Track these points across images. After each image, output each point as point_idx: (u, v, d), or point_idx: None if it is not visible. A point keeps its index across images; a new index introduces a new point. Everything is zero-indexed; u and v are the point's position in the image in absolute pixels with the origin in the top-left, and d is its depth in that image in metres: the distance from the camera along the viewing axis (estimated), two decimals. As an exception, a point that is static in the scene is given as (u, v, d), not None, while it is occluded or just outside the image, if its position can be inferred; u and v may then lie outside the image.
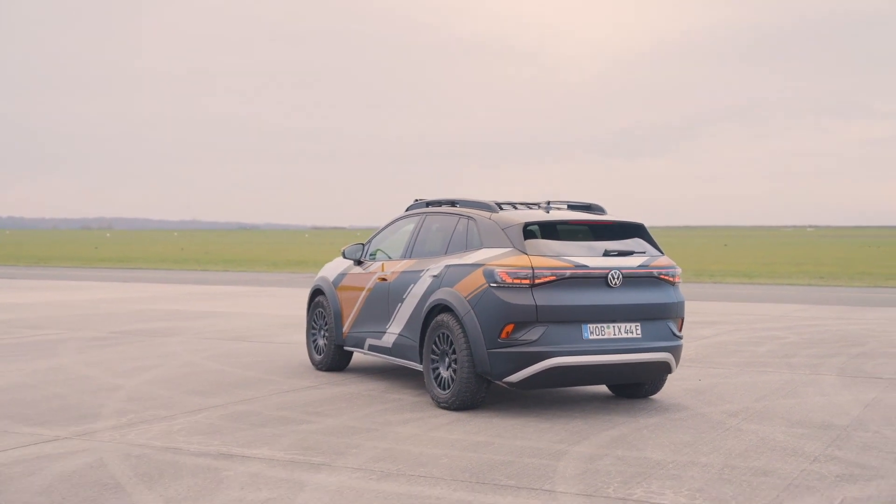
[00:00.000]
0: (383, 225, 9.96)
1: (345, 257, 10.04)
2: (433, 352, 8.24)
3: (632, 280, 7.90)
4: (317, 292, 10.49)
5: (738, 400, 8.52)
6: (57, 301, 19.89)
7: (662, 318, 8.03)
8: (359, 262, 9.90)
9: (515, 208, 8.52)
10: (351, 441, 6.81)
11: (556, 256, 7.76)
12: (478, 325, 7.71)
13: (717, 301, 20.75)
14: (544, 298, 7.58)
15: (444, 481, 5.74)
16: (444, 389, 8.08)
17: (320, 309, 10.35)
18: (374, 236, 9.97)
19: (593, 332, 7.70)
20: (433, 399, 8.20)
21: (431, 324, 8.24)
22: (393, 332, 8.97)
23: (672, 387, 9.14)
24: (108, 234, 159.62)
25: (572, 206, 8.81)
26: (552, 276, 7.63)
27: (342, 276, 10.08)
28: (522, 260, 7.68)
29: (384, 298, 9.15)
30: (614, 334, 7.76)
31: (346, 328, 9.86)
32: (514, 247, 7.84)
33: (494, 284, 7.68)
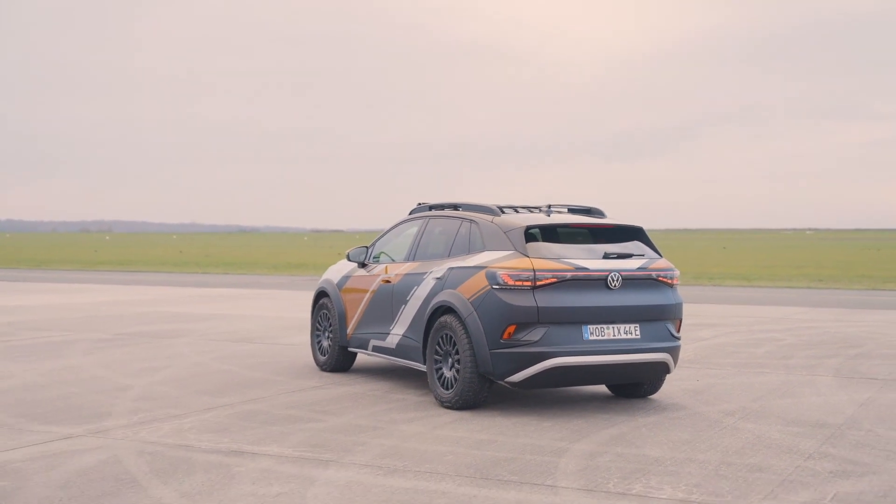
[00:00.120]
0: (387, 228, 10.15)
1: (349, 260, 10.23)
2: (436, 352, 8.42)
3: (631, 282, 8.09)
4: (321, 294, 10.68)
5: (735, 399, 8.70)
6: (60, 303, 20.07)
7: (661, 319, 8.22)
8: (363, 265, 10.08)
9: (517, 212, 8.71)
10: (357, 439, 6.99)
11: (557, 259, 7.95)
12: (480, 326, 7.90)
13: (716, 304, 20.93)
14: (545, 300, 7.76)
15: (449, 477, 5.92)
16: (447, 389, 8.26)
17: (325, 311, 10.53)
18: (378, 239, 10.16)
19: (593, 332, 7.88)
20: (437, 398, 8.38)
21: (435, 325, 8.42)
22: (397, 333, 9.15)
23: (670, 387, 9.32)
24: (107, 237, 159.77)
25: (573, 210, 9.00)
26: (553, 278, 7.81)
27: (346, 278, 10.26)
28: (524, 262, 7.86)
29: (388, 300, 9.33)
30: (614, 335, 7.94)
31: (350, 329, 10.04)
32: (515, 249, 8.02)
33: (497, 286, 7.86)
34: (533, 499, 5.47)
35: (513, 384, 7.90)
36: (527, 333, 7.75)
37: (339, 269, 10.57)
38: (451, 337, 8.21)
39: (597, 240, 8.39)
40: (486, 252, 8.23)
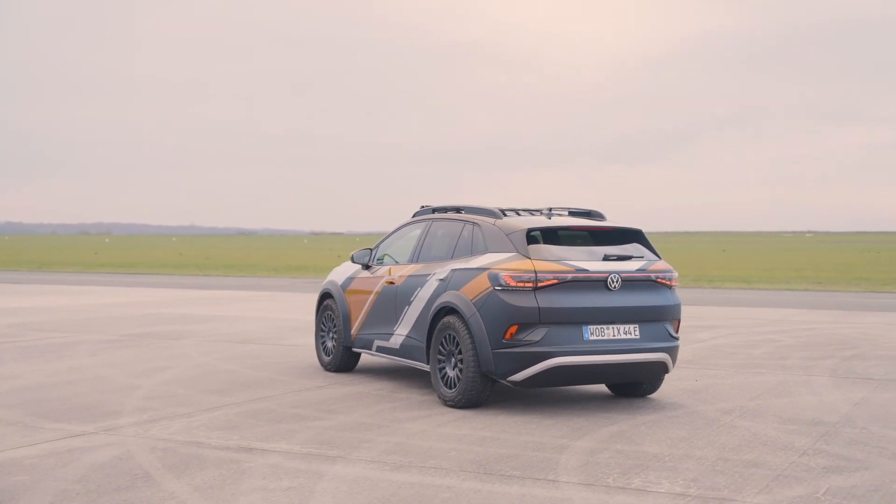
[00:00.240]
0: (390, 231, 10.32)
1: (353, 262, 10.40)
2: (440, 352, 8.59)
3: (630, 283, 8.26)
4: (325, 296, 10.84)
5: (732, 399, 8.87)
6: (63, 305, 20.24)
7: (660, 319, 8.39)
8: (367, 267, 10.25)
9: (518, 214, 8.89)
10: (363, 436, 7.16)
11: (558, 261, 8.12)
12: (483, 327, 8.07)
13: (715, 306, 21.10)
14: (547, 301, 7.93)
15: (453, 472, 6.09)
16: (450, 388, 8.42)
17: (329, 312, 10.70)
18: (382, 241, 10.33)
19: (593, 333, 8.05)
20: (440, 397, 8.54)
21: (438, 325, 8.59)
22: (400, 333, 9.32)
23: (669, 386, 9.49)
24: (106, 240, 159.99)
25: (573, 213, 9.18)
26: (554, 279, 7.99)
27: (351, 279, 10.43)
28: (526, 264, 8.04)
29: (392, 301, 9.50)
30: (614, 335, 8.12)
31: (354, 330, 10.21)
32: (517, 251, 8.20)
33: (499, 287, 8.03)
34: (535, 493, 5.64)
35: (515, 383, 8.07)
36: (528, 333, 7.92)
37: (343, 271, 10.74)
38: (454, 337, 8.38)
39: (597, 242, 8.56)
40: (489, 254, 8.40)
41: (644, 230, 8.87)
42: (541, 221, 8.58)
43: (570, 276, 8.03)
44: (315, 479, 5.91)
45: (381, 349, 9.73)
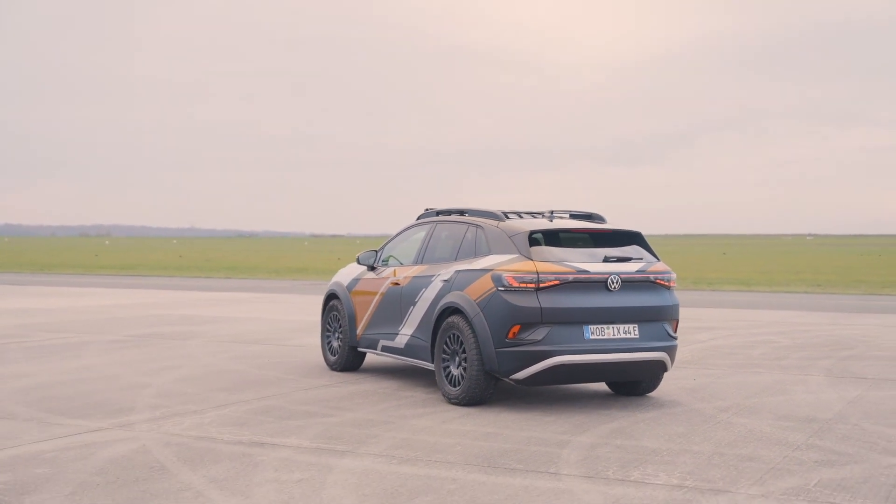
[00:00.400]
0: (395, 233, 10.54)
1: (359, 263, 10.63)
2: (444, 351, 8.81)
3: (630, 284, 8.49)
4: (331, 297, 11.06)
5: (729, 397, 9.09)
6: (68, 307, 20.46)
7: (658, 319, 8.61)
8: (372, 268, 10.47)
9: (521, 217, 9.12)
10: (370, 432, 7.38)
11: (560, 262, 8.34)
12: (486, 326, 8.29)
13: (714, 308, 21.32)
14: (548, 301, 8.16)
15: (459, 465, 6.31)
16: (454, 386, 8.64)
17: (335, 312, 10.92)
18: (387, 243, 10.55)
19: (594, 332, 8.27)
20: (444, 395, 8.76)
21: (442, 325, 8.81)
22: (405, 333, 9.54)
23: (668, 385, 9.71)
24: (107, 242, 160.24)
25: (574, 216, 9.41)
26: (556, 280, 8.21)
27: (356, 280, 10.66)
28: (528, 265, 8.26)
29: (397, 302, 9.72)
30: (613, 335, 8.34)
31: (359, 330, 10.43)
32: (520, 253, 8.42)
33: (502, 288, 8.25)
34: (538, 485, 5.86)
35: (517, 381, 8.29)
36: (531, 333, 8.14)
37: (348, 273, 10.96)
38: (458, 336, 8.60)
39: (597, 244, 8.78)
40: (492, 255, 8.62)
41: (644, 233, 9.10)
42: (543, 224, 8.80)
43: (571, 277, 8.25)
44: (325, 471, 6.14)
45: (386, 349, 9.95)
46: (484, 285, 8.41)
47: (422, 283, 9.36)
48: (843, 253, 79.96)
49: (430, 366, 9.10)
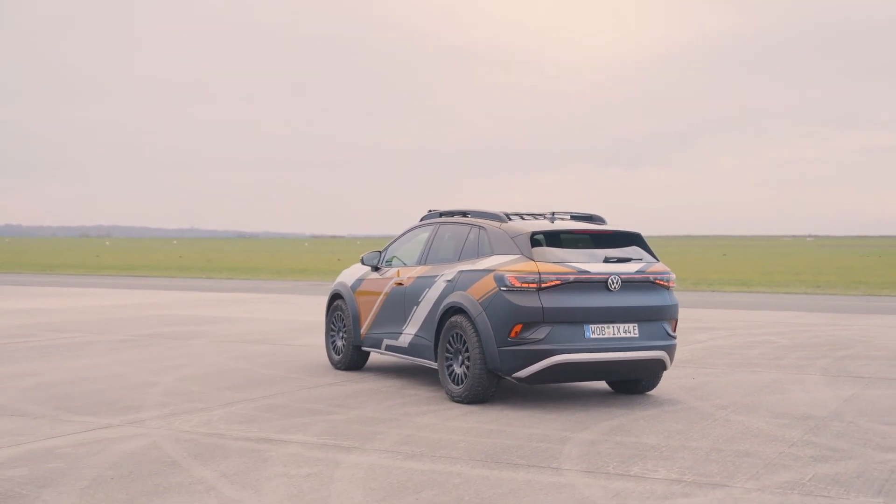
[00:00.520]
0: (399, 234, 10.70)
1: (363, 263, 10.79)
2: (447, 350, 8.97)
3: (630, 284, 8.65)
4: (335, 297, 11.23)
5: (727, 395, 9.25)
6: (71, 307, 20.62)
7: (658, 319, 8.77)
8: (376, 269, 10.63)
9: (523, 218, 9.28)
10: (376, 429, 7.54)
11: (561, 263, 8.51)
12: (489, 326, 8.45)
13: (714, 308, 21.48)
14: (550, 301, 8.32)
15: (463, 461, 6.48)
16: (457, 385, 8.80)
17: (339, 312, 11.08)
18: (391, 244, 10.71)
19: (595, 331, 8.43)
20: (447, 393, 8.92)
21: (446, 325, 8.97)
22: (409, 332, 9.70)
23: (667, 384, 9.87)
24: (107, 243, 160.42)
25: (575, 217, 9.57)
26: (557, 280, 8.37)
27: (360, 281, 10.82)
28: (530, 266, 8.42)
29: (401, 302, 9.88)
30: (614, 334, 8.50)
31: (364, 330, 10.59)
32: (522, 254, 8.58)
33: (504, 288, 8.41)
34: (540, 479, 6.02)
35: (519, 380, 8.45)
36: (533, 332, 8.30)
37: (352, 273, 11.12)
38: (461, 336, 8.76)
39: (598, 245, 8.95)
40: (495, 256, 8.79)
41: (644, 233, 9.27)
42: (544, 225, 8.96)
43: (572, 277, 8.41)
44: (333, 466, 6.30)
45: (390, 348, 10.11)
46: (487, 285, 8.57)
47: (425, 283, 9.52)
48: (843, 254, 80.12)
49: (434, 364, 9.26)
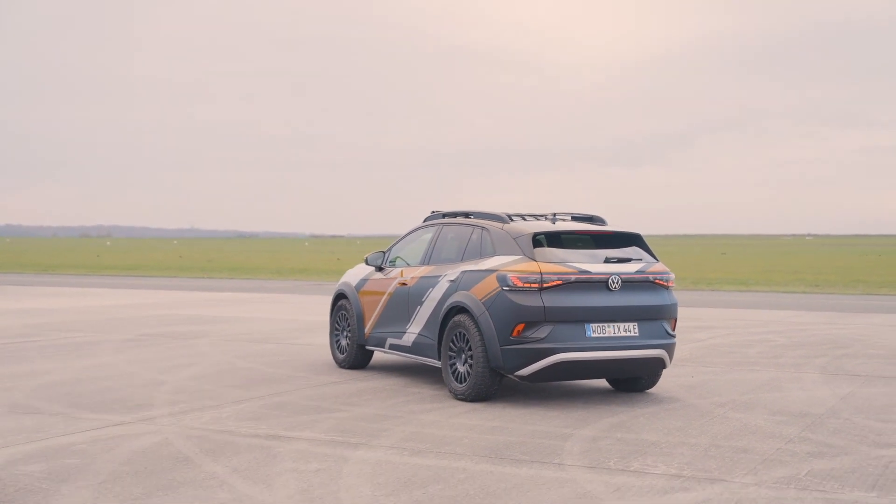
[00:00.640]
0: (402, 234, 10.87)
1: (367, 264, 10.96)
2: (451, 349, 9.14)
3: (630, 284, 8.82)
4: (340, 296, 11.40)
5: (726, 393, 9.42)
6: (75, 307, 20.79)
7: (657, 318, 8.95)
8: (380, 269, 10.80)
9: (525, 220, 9.44)
10: (381, 426, 7.71)
11: (562, 263, 8.68)
12: (492, 325, 8.62)
13: (713, 308, 21.65)
14: (552, 300, 8.49)
15: (467, 457, 6.65)
16: (460, 383, 8.97)
17: (343, 311, 11.25)
18: (394, 245, 10.88)
19: (595, 330, 8.60)
20: (451, 391, 9.09)
21: (449, 324, 9.14)
22: (413, 331, 9.87)
23: (667, 382, 10.04)
24: (108, 243, 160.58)
25: (576, 218, 9.74)
26: (559, 280, 8.54)
27: (364, 281, 10.98)
28: (532, 266, 8.59)
29: (405, 301, 10.05)
30: (614, 333, 8.67)
31: (368, 329, 10.76)
32: (524, 254, 8.75)
33: (507, 288, 8.58)
34: (543, 474, 6.19)
35: (522, 378, 8.62)
36: (534, 331, 8.47)
37: (356, 273, 11.29)
38: (464, 335, 8.93)
39: (598, 245, 9.12)
40: (497, 256, 8.95)
41: (643, 233, 9.44)
42: (546, 226, 9.13)
43: (573, 277, 8.58)
44: (341, 462, 6.47)
45: (393, 347, 10.27)
46: (489, 285, 8.74)
47: (429, 283, 9.68)
48: (842, 253, 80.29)
49: (437, 363, 9.42)
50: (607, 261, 8.87)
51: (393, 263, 10.70)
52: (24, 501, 5.51)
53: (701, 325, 16.73)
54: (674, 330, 9.16)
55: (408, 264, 10.41)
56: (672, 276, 9.24)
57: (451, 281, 9.32)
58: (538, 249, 8.80)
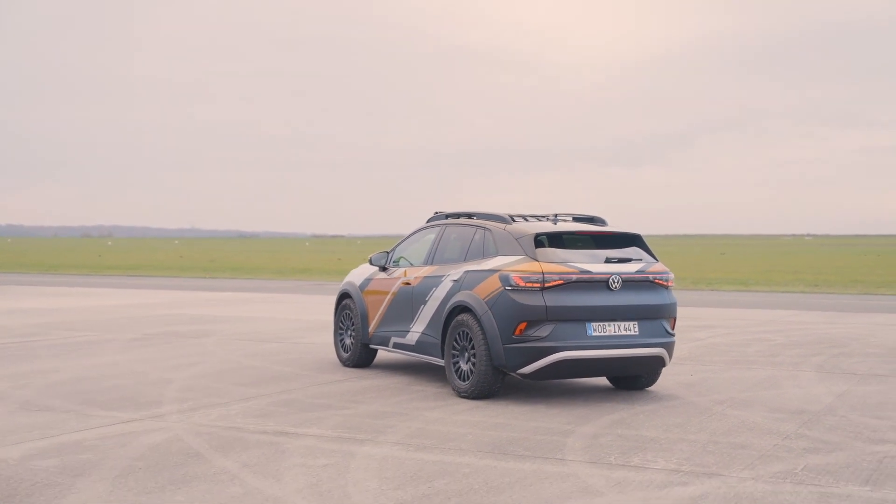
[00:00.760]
0: (406, 235, 11.04)
1: (371, 264, 11.13)
2: (454, 347, 9.30)
3: (630, 284, 8.99)
4: (344, 296, 11.56)
5: (724, 391, 9.59)
6: (80, 307, 20.96)
7: (657, 317, 9.11)
8: (383, 269, 10.97)
9: (526, 220, 9.61)
10: (387, 423, 7.87)
11: (564, 263, 8.84)
12: (494, 324, 8.78)
13: (713, 307, 21.81)
14: (553, 300, 8.66)
15: (471, 452, 6.81)
16: (463, 381, 9.14)
17: (347, 311, 11.42)
18: (398, 245, 11.05)
19: (596, 329, 8.77)
20: (454, 389, 9.26)
21: (452, 323, 9.31)
22: (416, 330, 10.03)
23: (666, 380, 10.20)
24: (109, 243, 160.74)
25: (577, 219, 9.90)
26: (560, 280, 8.71)
27: (368, 280, 11.15)
28: (534, 266, 8.76)
29: (408, 301, 10.21)
30: (615, 331, 8.84)
31: (372, 328, 10.93)
32: (526, 255, 8.92)
33: (509, 288, 8.75)
34: (546, 469, 6.36)
35: (524, 376, 8.79)
36: (536, 330, 8.63)
37: (360, 273, 11.45)
38: (467, 333, 9.10)
39: (599, 246, 9.28)
40: (500, 257, 9.12)
41: (643, 233, 9.62)
42: (547, 227, 9.30)
43: (574, 277, 8.75)
44: (348, 457, 6.63)
45: (397, 345, 10.44)
46: (492, 285, 8.90)
47: (432, 282, 9.85)
48: (841, 253, 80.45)
49: (441, 361, 9.59)
50: (608, 261, 9.04)
51: (397, 263, 10.86)
52: (41, 495, 5.67)
53: (700, 325, 16.90)
54: (673, 329, 9.32)
55: (411, 264, 10.57)
56: (671, 275, 9.40)
57: (455, 281, 9.48)
58: (540, 250, 8.96)
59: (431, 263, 10.15)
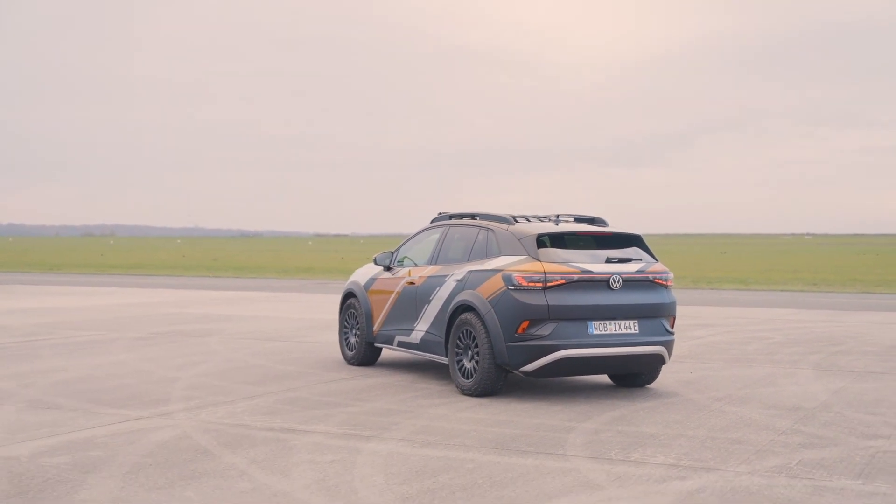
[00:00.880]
0: (410, 235, 11.19)
1: (375, 263, 11.28)
2: (457, 346, 9.45)
3: (630, 283, 9.13)
4: (349, 295, 11.71)
5: (723, 388, 9.73)
6: (84, 306, 21.11)
7: (657, 316, 9.26)
8: (388, 268, 11.12)
9: (529, 221, 9.76)
10: (392, 420, 8.02)
11: (565, 263, 8.99)
12: (497, 323, 8.93)
13: (712, 306, 21.96)
14: (555, 299, 8.81)
15: (475, 448, 6.96)
16: (467, 378, 9.28)
17: (352, 310, 11.57)
18: (402, 245, 11.20)
19: (597, 328, 8.92)
20: (457, 387, 9.40)
21: (456, 322, 9.46)
22: (420, 329, 10.18)
23: (666, 378, 10.35)
24: (111, 242, 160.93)
25: (578, 219, 10.05)
26: (562, 279, 8.86)
27: (373, 280, 11.30)
28: (536, 266, 8.91)
29: (412, 300, 10.36)
30: (615, 330, 8.99)
31: (376, 327, 11.07)
32: (528, 255, 9.06)
33: (512, 287, 8.90)
34: (548, 464, 6.50)
35: (526, 374, 8.93)
36: (539, 328, 8.78)
37: (365, 272, 11.60)
38: (470, 332, 9.25)
39: (600, 246, 9.43)
40: (502, 257, 9.27)
41: (643, 233, 9.78)
42: (549, 227, 9.44)
43: (576, 276, 8.90)
44: (354, 453, 6.78)
45: (402, 344, 10.59)
46: (495, 284, 9.05)
47: (436, 282, 9.99)
48: (840, 252, 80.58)
49: (444, 360, 9.74)
50: (608, 261, 9.18)
51: (401, 263, 11.01)
52: (53, 490, 5.82)
53: (700, 323, 17.04)
54: (673, 327, 9.47)
55: (415, 264, 10.72)
56: (671, 275, 9.55)
57: (458, 280, 9.63)
58: (542, 250, 9.11)
59: (435, 263, 10.30)
